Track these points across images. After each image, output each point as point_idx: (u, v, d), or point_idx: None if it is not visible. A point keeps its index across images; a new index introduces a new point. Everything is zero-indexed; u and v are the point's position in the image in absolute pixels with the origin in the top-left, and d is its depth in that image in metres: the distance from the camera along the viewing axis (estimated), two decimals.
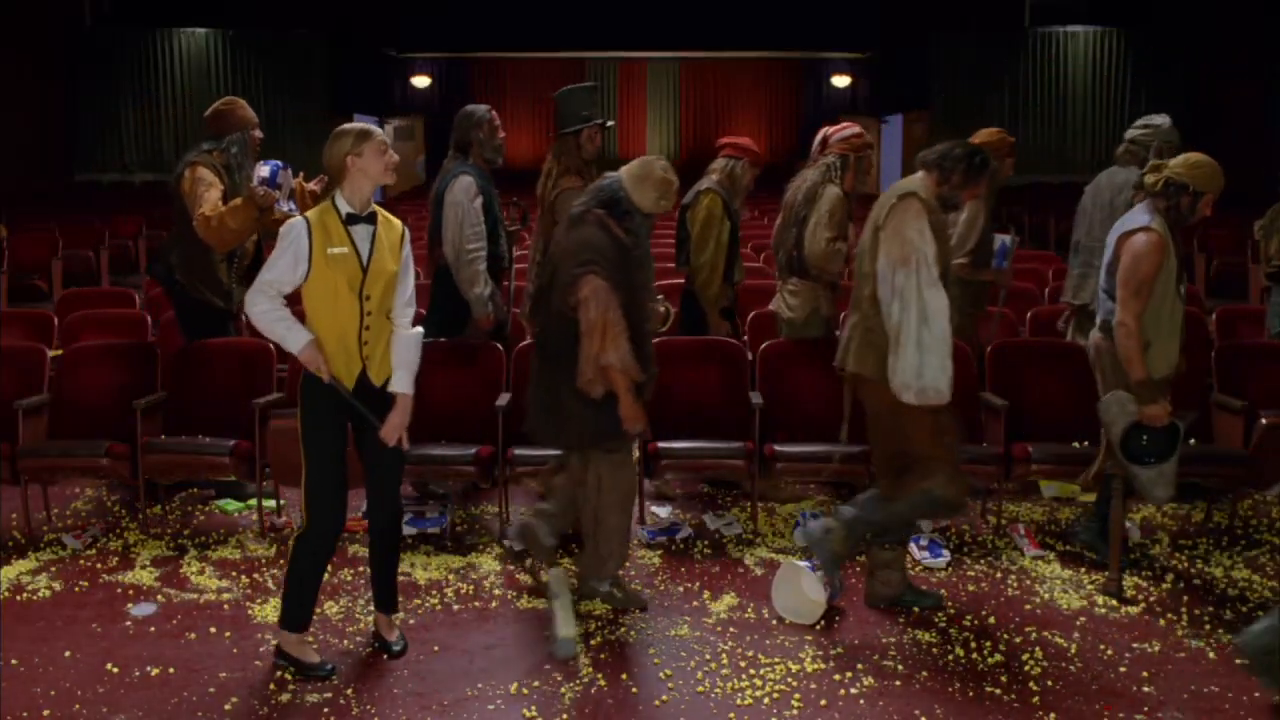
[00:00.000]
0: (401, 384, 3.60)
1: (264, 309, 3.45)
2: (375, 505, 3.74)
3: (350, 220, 3.48)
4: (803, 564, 4.05)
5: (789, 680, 3.50)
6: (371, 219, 3.52)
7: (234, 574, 4.44)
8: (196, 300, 5.18)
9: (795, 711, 3.30)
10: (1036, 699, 3.38)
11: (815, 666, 3.59)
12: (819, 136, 5.11)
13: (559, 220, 4.79)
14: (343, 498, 3.65)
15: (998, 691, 3.42)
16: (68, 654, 3.71)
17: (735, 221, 5.32)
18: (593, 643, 3.78)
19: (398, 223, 3.62)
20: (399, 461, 3.72)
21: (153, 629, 3.91)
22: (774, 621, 3.96)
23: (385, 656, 3.71)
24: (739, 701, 3.36)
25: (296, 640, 3.62)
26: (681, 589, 4.27)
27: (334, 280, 3.45)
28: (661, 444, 4.71)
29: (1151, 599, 4.16)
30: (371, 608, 4.05)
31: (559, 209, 4.93)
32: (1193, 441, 4.86)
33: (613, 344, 3.73)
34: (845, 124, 5.13)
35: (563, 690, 3.44)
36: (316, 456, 3.55)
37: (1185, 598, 4.18)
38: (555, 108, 5.10)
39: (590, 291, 3.73)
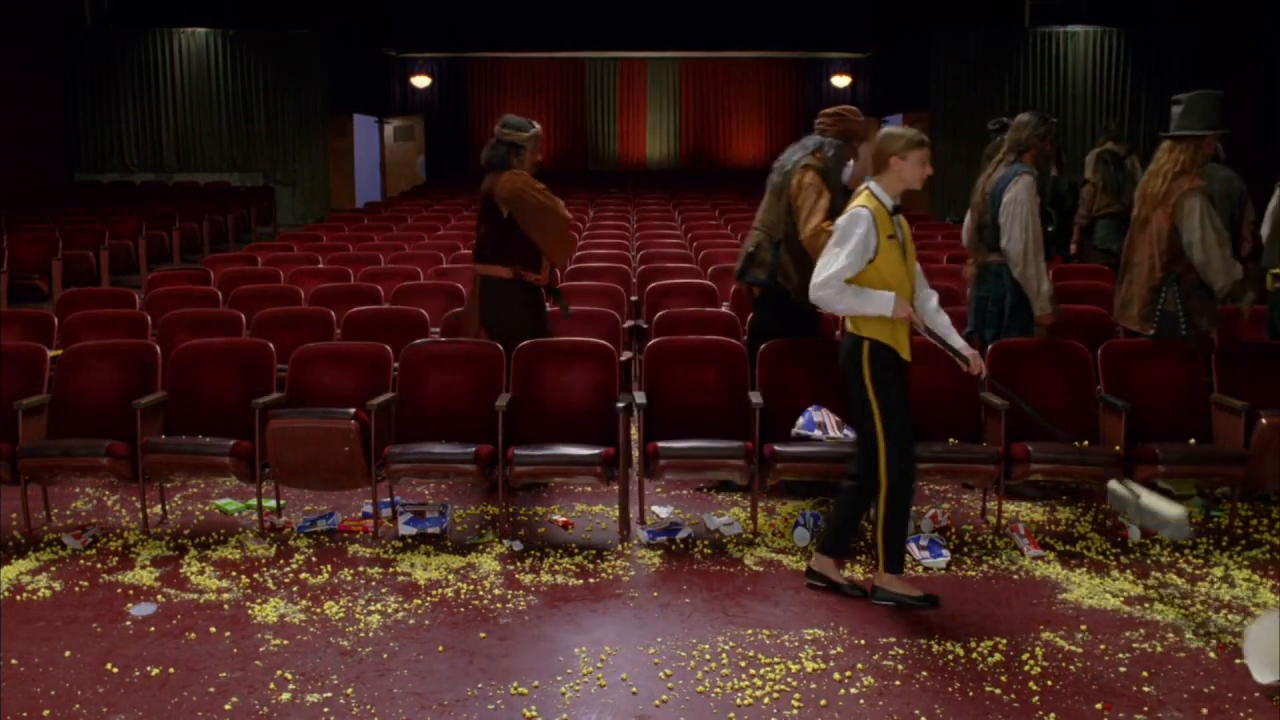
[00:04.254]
0: (967, 350, 4.16)
1: (838, 293, 3.94)
2: (867, 461, 4.10)
3: (893, 210, 4.02)
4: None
5: (789, 680, 3.50)
6: (900, 210, 4.04)
7: (234, 574, 4.44)
8: (794, 305, 5.14)
9: (795, 711, 3.30)
10: (1036, 699, 3.38)
11: (815, 666, 3.59)
12: None
13: (1178, 219, 4.99)
14: (914, 448, 4.14)
15: (998, 691, 3.43)
16: (68, 654, 3.71)
17: None
18: (593, 643, 3.79)
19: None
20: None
21: (153, 629, 3.91)
22: (773, 620, 3.96)
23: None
24: (739, 701, 3.36)
25: (900, 581, 4.09)
26: (682, 589, 4.27)
27: (892, 262, 3.97)
28: (661, 444, 4.71)
29: (1151, 599, 4.16)
30: (373, 607, 4.06)
31: (1181, 207, 5.02)
32: (1192, 441, 4.87)
33: None
34: None
35: (563, 690, 3.44)
36: (892, 415, 3.99)
37: (1185, 598, 4.18)
38: (1184, 108, 5.13)
39: None
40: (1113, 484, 4.16)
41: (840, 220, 4.02)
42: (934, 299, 4.21)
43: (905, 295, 4.00)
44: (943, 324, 4.19)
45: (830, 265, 3.96)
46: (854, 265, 3.93)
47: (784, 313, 5.22)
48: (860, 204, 4.00)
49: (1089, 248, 8.61)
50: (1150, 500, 3.98)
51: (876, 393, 3.99)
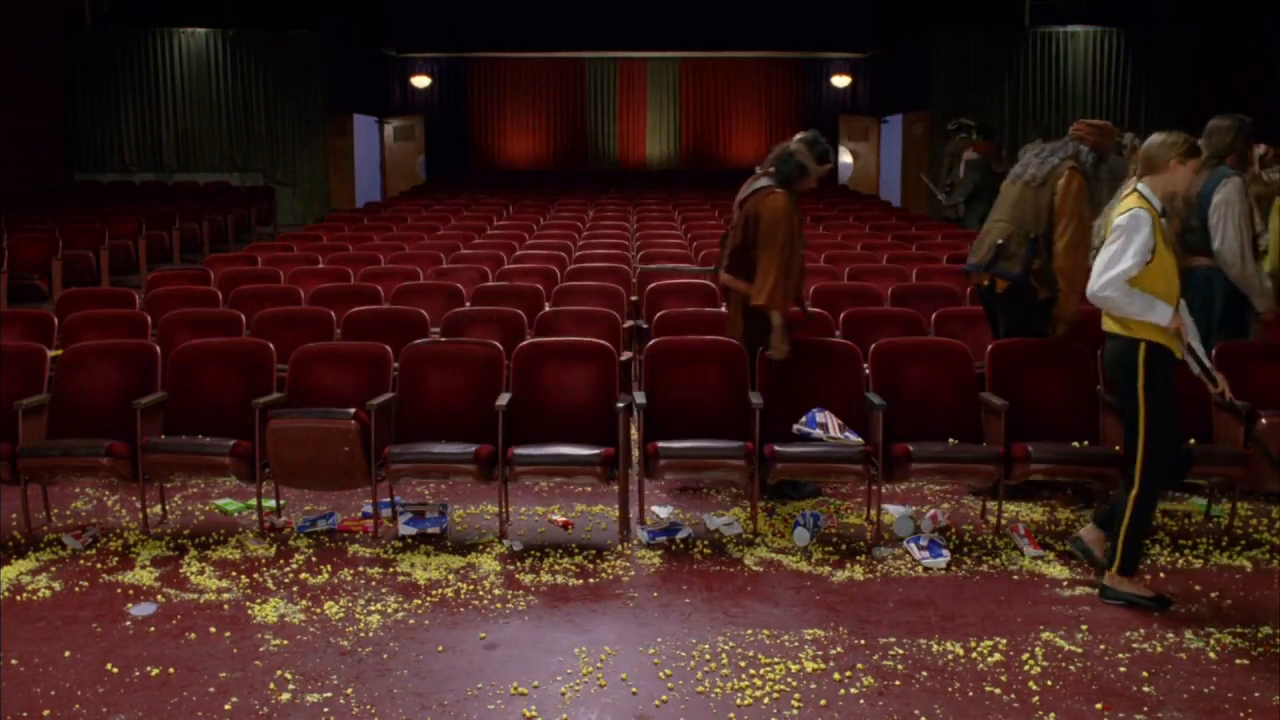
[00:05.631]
0: (1217, 372, 4.22)
1: (1127, 297, 3.94)
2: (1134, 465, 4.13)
3: (1161, 213, 4.04)
4: None
5: (789, 680, 3.50)
6: (1165, 213, 4.08)
7: (234, 574, 4.44)
8: (1038, 302, 5.17)
9: (795, 711, 3.30)
10: (1036, 699, 3.38)
11: (815, 666, 3.59)
12: None
13: None
14: (1172, 458, 4.14)
15: (998, 691, 3.43)
16: (68, 654, 3.71)
17: None
18: (593, 643, 3.79)
19: None
20: None
21: (153, 629, 3.92)
22: (773, 620, 3.96)
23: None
24: (739, 701, 3.36)
25: (1131, 581, 4.13)
26: (682, 589, 4.27)
27: (1166, 264, 3.99)
28: (661, 444, 4.71)
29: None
30: (373, 607, 4.06)
31: None
32: (1192, 441, 4.87)
33: None
34: None
35: (563, 690, 3.44)
36: (1160, 421, 4.01)
37: (1186, 597, 4.18)
38: None
39: None
40: None
41: (1120, 219, 4.00)
42: (1184, 306, 4.18)
43: (1174, 295, 4.03)
44: (1193, 331, 4.17)
45: (1115, 265, 3.94)
46: (1138, 265, 3.92)
47: (1031, 308, 5.20)
48: (1136, 204, 4.00)
49: None
50: None
51: (1148, 398, 4.00)
